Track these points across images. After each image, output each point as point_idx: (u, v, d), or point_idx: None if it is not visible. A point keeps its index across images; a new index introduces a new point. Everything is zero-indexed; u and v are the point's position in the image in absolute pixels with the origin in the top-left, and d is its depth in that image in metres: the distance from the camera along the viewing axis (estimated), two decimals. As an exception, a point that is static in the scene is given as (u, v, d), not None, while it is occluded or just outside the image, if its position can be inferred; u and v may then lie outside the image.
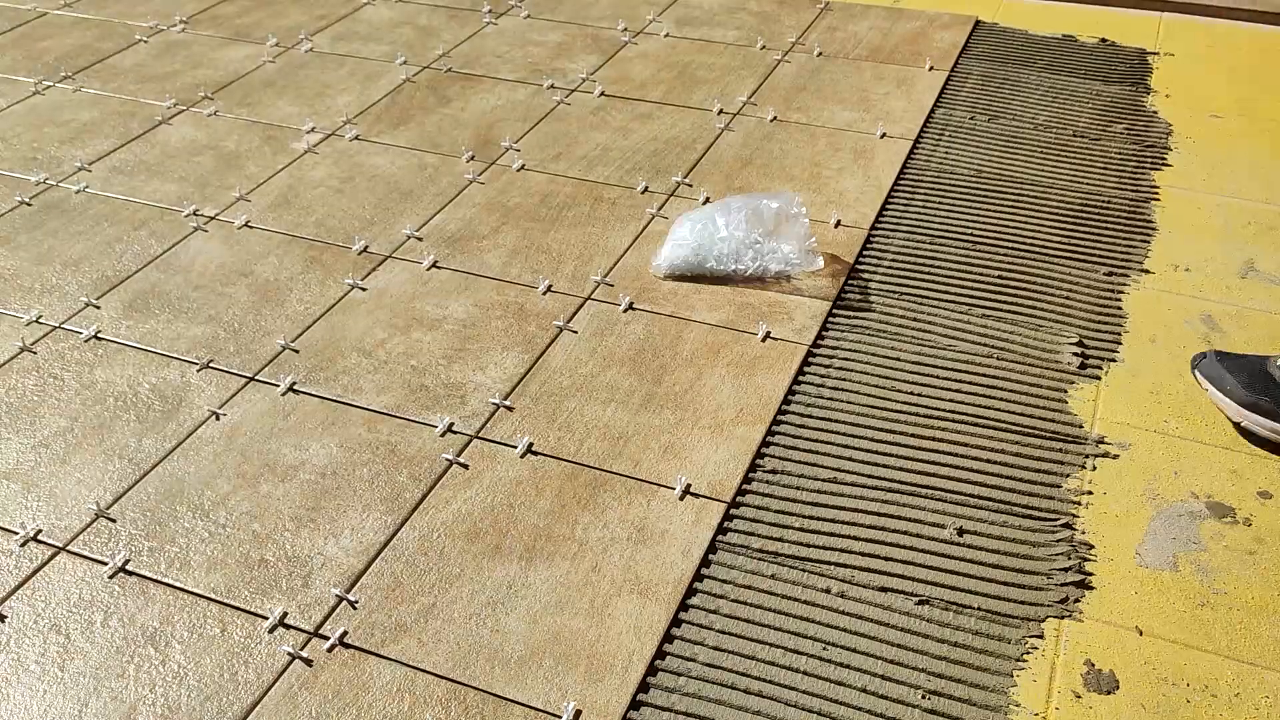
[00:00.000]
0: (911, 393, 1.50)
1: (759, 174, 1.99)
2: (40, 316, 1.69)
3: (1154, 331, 1.60)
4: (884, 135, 2.09)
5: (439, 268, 1.78)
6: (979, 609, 1.21)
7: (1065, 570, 1.25)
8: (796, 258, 1.70)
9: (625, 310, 1.67)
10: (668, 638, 1.18)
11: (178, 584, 1.27)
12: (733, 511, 1.33)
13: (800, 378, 1.53)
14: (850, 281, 1.71)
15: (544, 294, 1.71)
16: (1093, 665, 1.15)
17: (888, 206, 1.89)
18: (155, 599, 1.25)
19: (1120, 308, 1.64)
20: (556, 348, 1.60)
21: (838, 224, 1.84)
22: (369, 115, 2.23)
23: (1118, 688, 1.13)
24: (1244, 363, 1.45)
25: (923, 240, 1.80)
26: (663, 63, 2.41)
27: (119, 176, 2.05)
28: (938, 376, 1.52)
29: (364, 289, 1.74)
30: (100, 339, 1.65)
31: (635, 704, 1.12)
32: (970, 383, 1.51)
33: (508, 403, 1.50)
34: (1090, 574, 1.25)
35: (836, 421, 1.46)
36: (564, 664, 1.16)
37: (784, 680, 1.14)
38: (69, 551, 1.31)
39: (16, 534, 1.33)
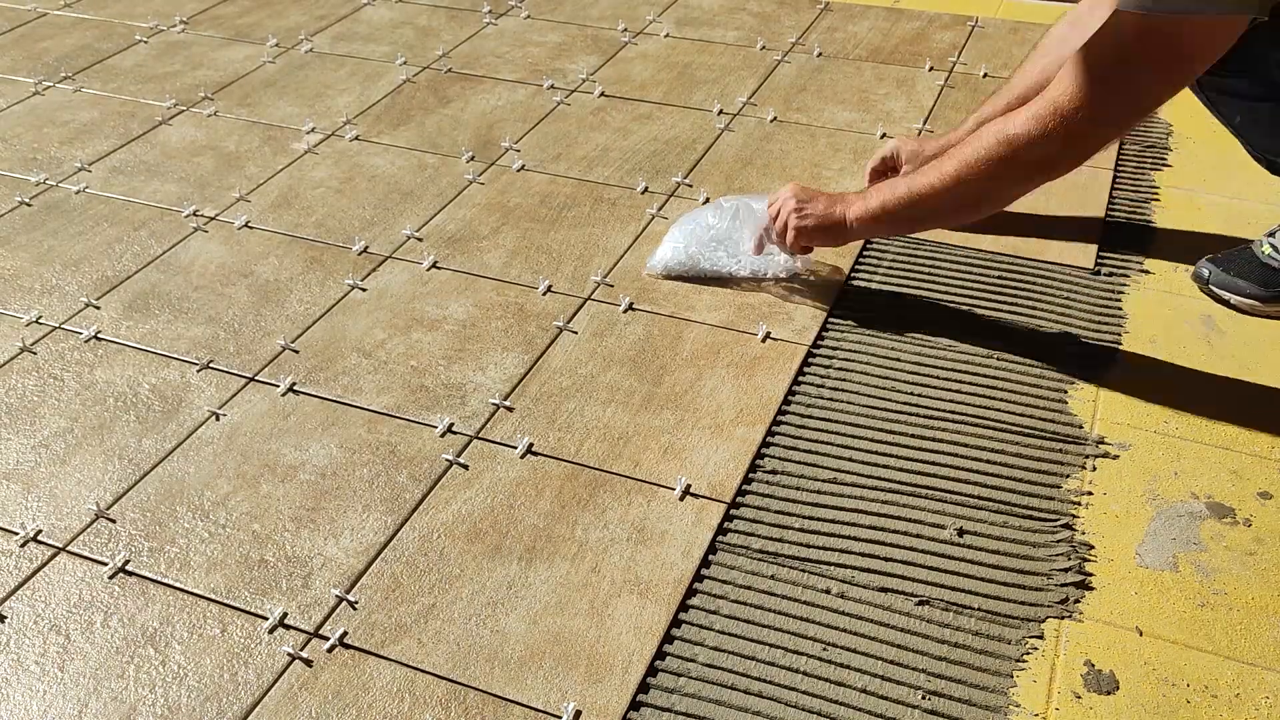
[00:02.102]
0: (911, 393, 1.50)
1: (759, 174, 1.99)
2: (40, 317, 1.69)
3: (1154, 332, 1.60)
4: (884, 136, 2.09)
5: (439, 268, 1.78)
6: (979, 609, 1.21)
7: (1065, 570, 1.25)
8: (790, 261, 1.70)
9: (625, 311, 1.67)
10: (668, 638, 1.18)
11: (178, 584, 1.27)
12: (733, 512, 1.33)
13: (800, 378, 1.53)
14: (850, 282, 1.71)
15: (544, 294, 1.71)
16: (1093, 666, 1.15)
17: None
18: (155, 599, 1.25)
19: (1120, 308, 1.64)
20: (556, 348, 1.60)
21: (838, 224, 1.83)
22: (369, 115, 2.23)
23: (1118, 688, 1.13)
24: (1240, 263, 1.62)
25: (923, 239, 1.80)
26: (663, 63, 2.41)
27: (119, 177, 2.05)
28: (938, 376, 1.52)
29: (364, 289, 1.74)
30: (100, 339, 1.65)
31: (635, 704, 1.12)
32: (970, 383, 1.51)
33: (508, 403, 1.50)
34: (1090, 574, 1.25)
35: (836, 421, 1.46)
36: (564, 664, 1.16)
37: (784, 680, 1.14)
38: (69, 552, 1.31)
39: (16, 534, 1.33)
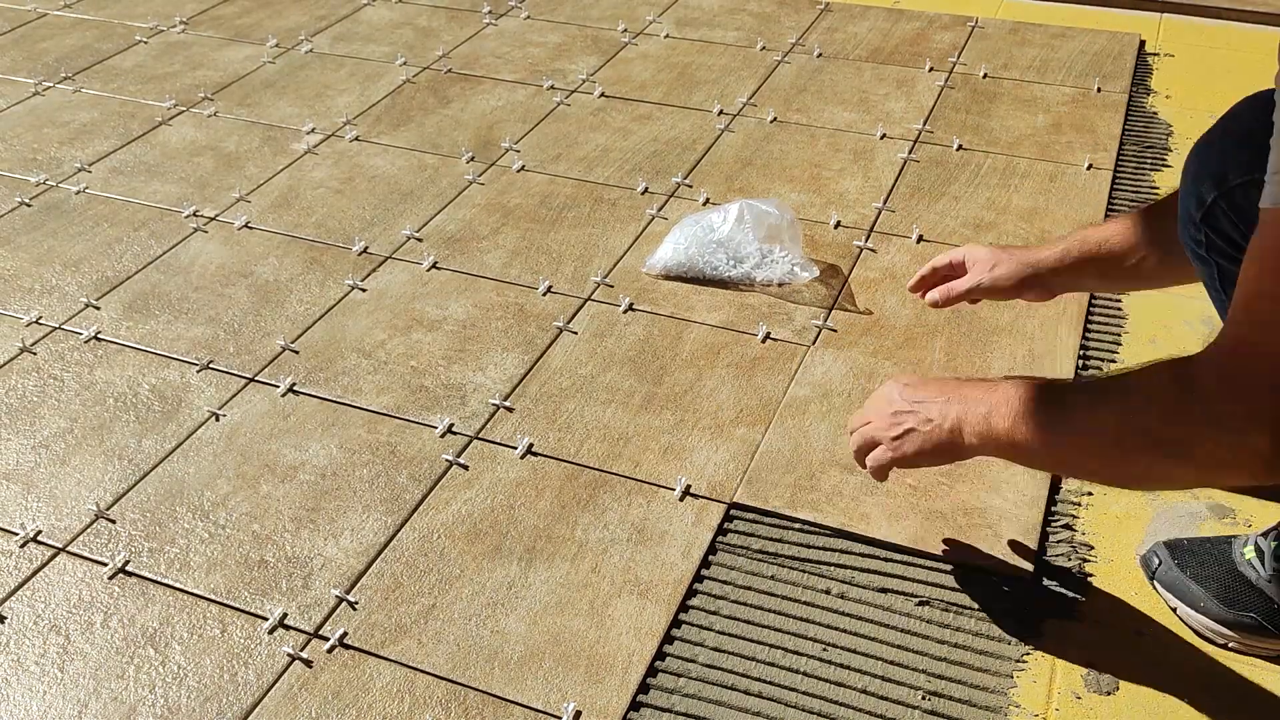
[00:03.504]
0: (911, 393, 1.49)
1: (759, 175, 1.99)
2: (40, 317, 1.69)
3: (1154, 331, 1.60)
4: (884, 136, 2.09)
5: (439, 268, 1.78)
6: (979, 609, 1.21)
7: (1065, 570, 1.25)
8: (789, 267, 1.70)
9: (625, 311, 1.67)
10: (668, 638, 1.18)
11: (177, 585, 1.27)
12: (733, 512, 1.33)
13: (800, 378, 1.53)
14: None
15: (544, 295, 1.71)
16: (1093, 666, 1.15)
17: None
18: (155, 600, 1.25)
19: (1120, 308, 1.64)
20: (556, 348, 1.60)
21: (837, 225, 1.84)
22: (369, 116, 2.23)
23: (1117, 688, 1.13)
24: (1205, 559, 1.16)
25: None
26: (663, 64, 2.41)
27: (119, 177, 2.05)
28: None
29: (364, 290, 1.74)
30: (100, 340, 1.65)
31: (635, 704, 1.12)
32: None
33: (508, 403, 1.50)
34: (1090, 574, 1.25)
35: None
36: (564, 665, 1.16)
37: (784, 680, 1.14)
38: (69, 552, 1.31)
39: (16, 535, 1.33)
